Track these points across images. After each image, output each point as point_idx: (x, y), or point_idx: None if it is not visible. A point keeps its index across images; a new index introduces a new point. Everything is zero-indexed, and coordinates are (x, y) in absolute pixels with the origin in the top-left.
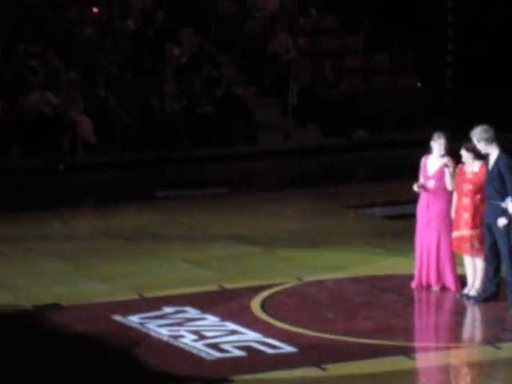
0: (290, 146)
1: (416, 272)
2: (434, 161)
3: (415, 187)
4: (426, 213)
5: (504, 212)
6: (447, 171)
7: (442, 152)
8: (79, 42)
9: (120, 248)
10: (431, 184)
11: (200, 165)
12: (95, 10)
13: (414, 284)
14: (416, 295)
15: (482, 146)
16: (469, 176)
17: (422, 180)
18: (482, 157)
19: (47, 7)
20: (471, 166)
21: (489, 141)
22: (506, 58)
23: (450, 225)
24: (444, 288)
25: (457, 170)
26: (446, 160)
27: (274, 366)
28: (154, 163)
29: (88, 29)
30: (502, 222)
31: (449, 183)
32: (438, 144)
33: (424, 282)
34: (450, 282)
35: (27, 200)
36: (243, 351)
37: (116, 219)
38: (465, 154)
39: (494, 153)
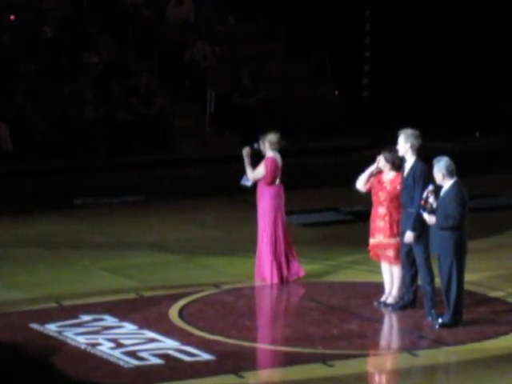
0: (208, 154)
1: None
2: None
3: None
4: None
5: (414, 221)
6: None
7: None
8: None
9: (38, 256)
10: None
11: (118, 172)
12: (12, 17)
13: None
14: (334, 303)
15: (405, 148)
16: (385, 184)
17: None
18: (398, 168)
19: None
20: (387, 174)
21: (413, 148)
22: (421, 66)
23: (274, 219)
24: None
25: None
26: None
27: (191, 373)
28: (72, 171)
29: (4, 35)
30: (408, 236)
31: (249, 173)
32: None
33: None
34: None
35: None
36: (161, 359)
37: (34, 227)
38: (382, 163)
39: (410, 160)
